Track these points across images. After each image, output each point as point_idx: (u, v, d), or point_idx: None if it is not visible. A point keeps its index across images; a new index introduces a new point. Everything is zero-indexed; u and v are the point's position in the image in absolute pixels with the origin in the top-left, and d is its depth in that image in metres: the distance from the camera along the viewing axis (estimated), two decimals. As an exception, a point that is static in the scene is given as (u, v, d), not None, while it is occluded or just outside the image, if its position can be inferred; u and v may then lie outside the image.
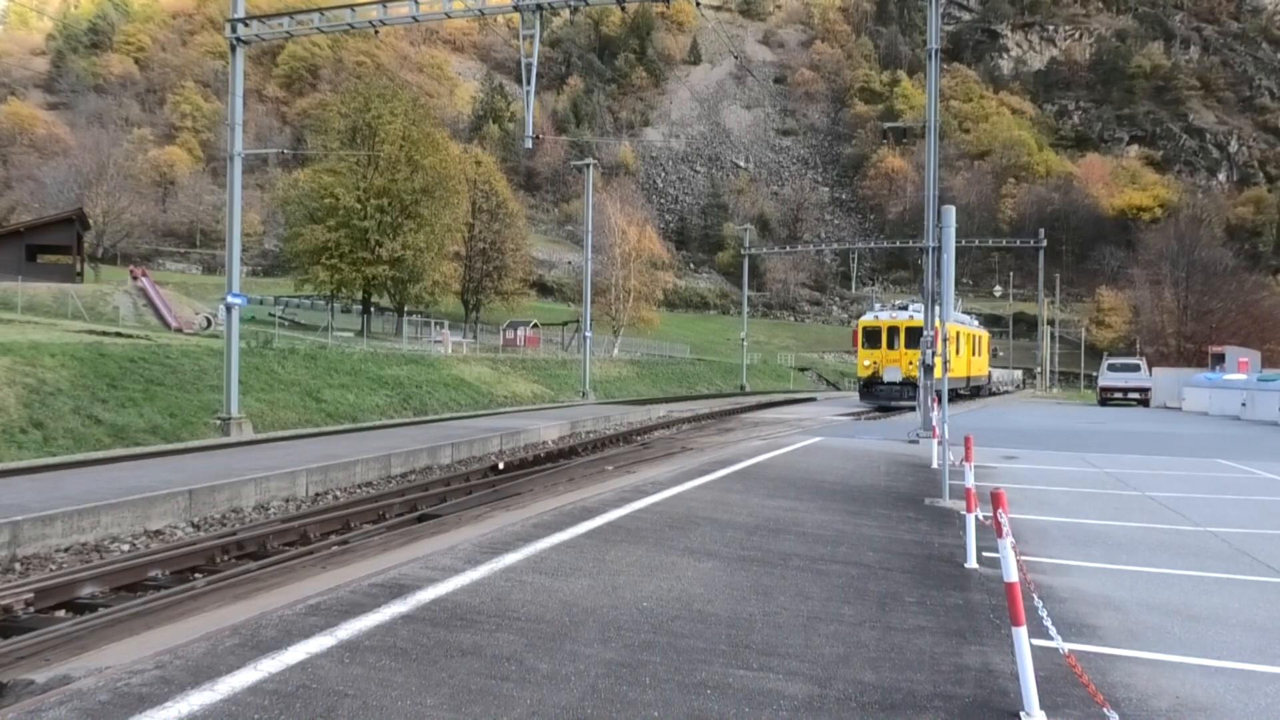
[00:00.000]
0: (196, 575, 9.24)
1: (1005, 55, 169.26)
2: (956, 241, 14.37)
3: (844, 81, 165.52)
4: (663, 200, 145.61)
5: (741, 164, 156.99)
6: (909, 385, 30.06)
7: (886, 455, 15.76)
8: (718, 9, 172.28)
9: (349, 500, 13.87)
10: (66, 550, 9.99)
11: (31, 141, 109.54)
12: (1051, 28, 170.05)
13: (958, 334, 33.05)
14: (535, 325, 67.36)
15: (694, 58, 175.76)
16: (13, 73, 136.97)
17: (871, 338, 33.54)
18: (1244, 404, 29.86)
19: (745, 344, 59.45)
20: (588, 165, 41.66)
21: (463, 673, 4.16)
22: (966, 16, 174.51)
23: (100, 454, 16.33)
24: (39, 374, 19.58)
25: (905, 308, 34.04)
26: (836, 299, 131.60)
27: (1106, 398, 41.54)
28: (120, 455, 15.99)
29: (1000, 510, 4.21)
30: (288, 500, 13.55)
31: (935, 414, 15.94)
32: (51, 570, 9.31)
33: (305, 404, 25.46)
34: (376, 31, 21.33)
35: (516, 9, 19.91)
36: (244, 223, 28.46)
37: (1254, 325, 59.56)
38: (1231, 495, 11.77)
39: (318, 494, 14.26)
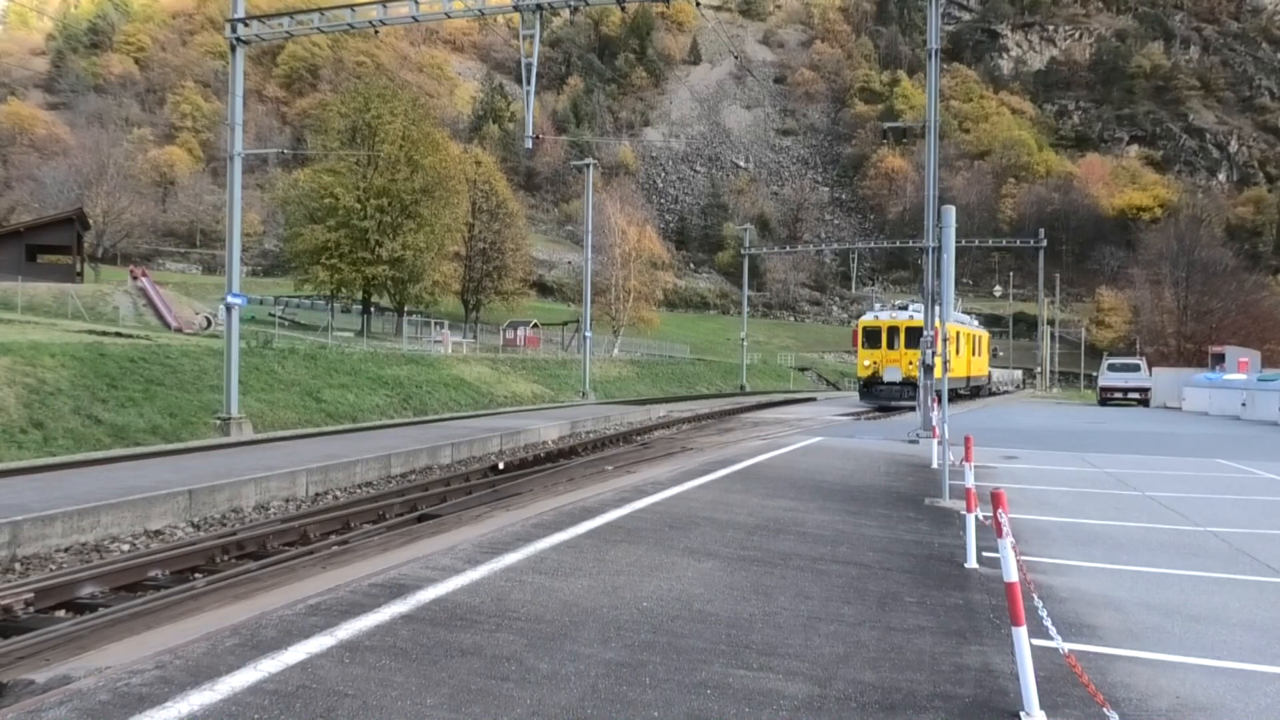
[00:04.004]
0: (196, 575, 9.24)
1: (1005, 55, 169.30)
2: (956, 241, 14.36)
3: (844, 81, 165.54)
4: (663, 200, 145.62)
5: (741, 164, 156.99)
6: (909, 385, 30.06)
7: (886, 455, 15.76)
8: (718, 9, 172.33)
9: (349, 500, 13.86)
10: (66, 550, 9.99)
11: (31, 141, 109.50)
12: (1051, 28, 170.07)
13: (958, 334, 33.05)
14: (535, 325, 67.34)
15: (694, 58, 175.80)
16: (13, 73, 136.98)
17: (871, 338, 33.53)
18: (1244, 404, 29.85)
19: (745, 344, 59.44)
20: (588, 165, 41.66)
21: (463, 673, 4.16)
22: (966, 16, 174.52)
23: (100, 454, 16.33)
24: (39, 374, 19.58)
25: (905, 308, 34.03)
26: (836, 299, 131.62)
27: (1106, 398, 41.55)
28: (120, 455, 15.99)
29: (1000, 510, 4.21)
30: (288, 500, 13.55)
31: (935, 414, 15.94)
32: (51, 570, 9.31)
33: (305, 404, 25.46)
34: (376, 31, 21.33)
35: (516, 9, 19.91)
36: (244, 223, 28.47)
37: (1254, 325, 59.56)
38: (1231, 495, 11.77)
39: (318, 494, 14.26)
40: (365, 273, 48.51)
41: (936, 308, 18.32)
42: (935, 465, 12.96)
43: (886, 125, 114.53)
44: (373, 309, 55.69)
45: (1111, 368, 42.86)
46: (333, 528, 11.57)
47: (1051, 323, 74.73)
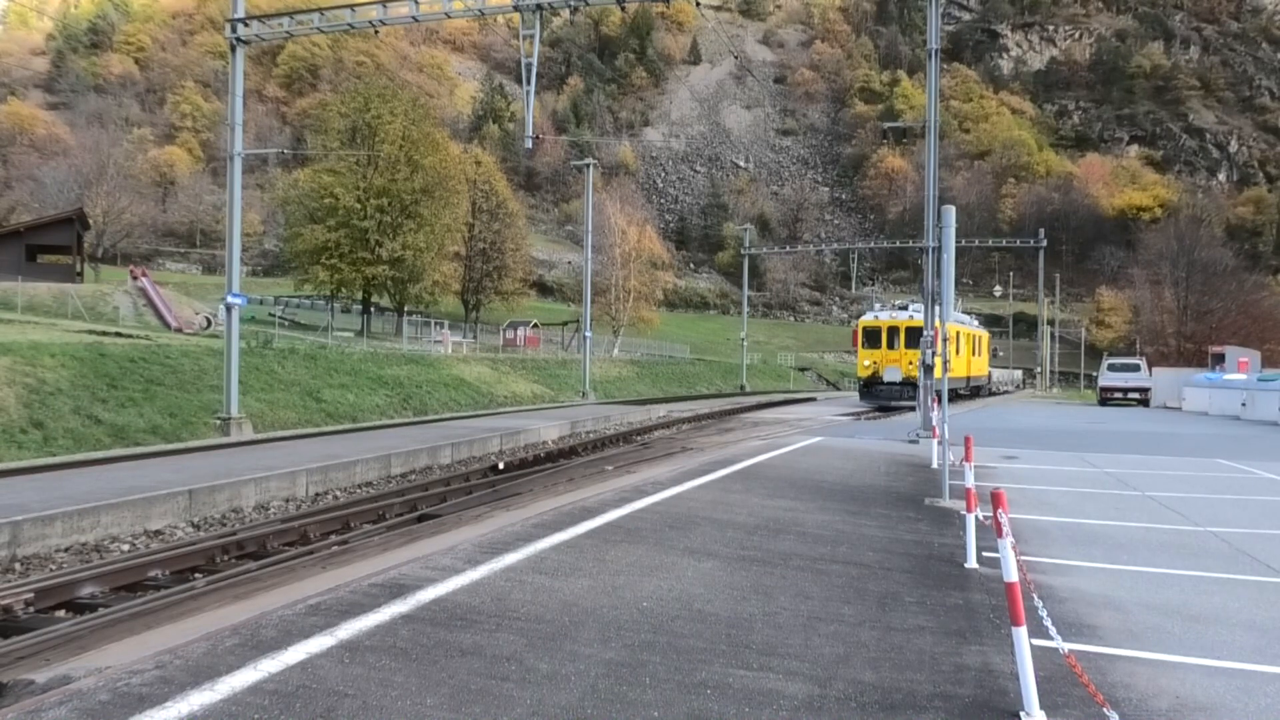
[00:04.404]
0: (196, 575, 9.24)
1: (1005, 55, 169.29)
2: (956, 241, 14.35)
3: (844, 81, 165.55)
4: (663, 200, 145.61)
5: (741, 164, 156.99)
6: (909, 385, 30.06)
7: (886, 455, 15.75)
8: (718, 9, 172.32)
9: (349, 500, 13.86)
10: (66, 550, 9.99)
11: (31, 141, 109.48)
12: (1051, 28, 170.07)
13: (958, 334, 33.05)
14: (535, 325, 67.36)
15: (694, 58, 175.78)
16: (13, 73, 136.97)
17: (871, 338, 33.53)
18: (1244, 404, 29.85)
19: (745, 344, 59.44)
20: (588, 165, 41.65)
21: (463, 673, 4.16)
22: (966, 16, 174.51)
23: (100, 454, 16.33)
24: (39, 374, 19.58)
25: (905, 308, 34.03)
26: (836, 299, 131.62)
27: (1106, 398, 41.55)
28: (120, 455, 15.99)
29: (1000, 510, 4.21)
30: (288, 500, 13.55)
31: (935, 414, 15.94)
32: (51, 570, 9.31)
33: (305, 404, 25.46)
34: (376, 31, 21.32)
35: (516, 9, 19.91)
36: (244, 223, 28.47)
37: (1254, 325, 59.57)
38: (1232, 495, 11.77)
39: (318, 494, 14.26)
40: (365, 273, 48.52)
41: (936, 308, 18.32)
42: (935, 465, 12.96)
43: (886, 125, 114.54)
44: (373, 309, 55.70)
45: (1111, 368, 42.85)
46: (333, 528, 11.57)
47: (1051, 323, 74.73)
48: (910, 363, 30.18)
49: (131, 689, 3.74)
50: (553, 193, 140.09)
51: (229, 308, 20.79)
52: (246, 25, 21.15)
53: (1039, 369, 72.00)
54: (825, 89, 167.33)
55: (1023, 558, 4.37)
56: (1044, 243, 58.90)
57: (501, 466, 17.77)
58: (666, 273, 76.87)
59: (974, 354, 40.02)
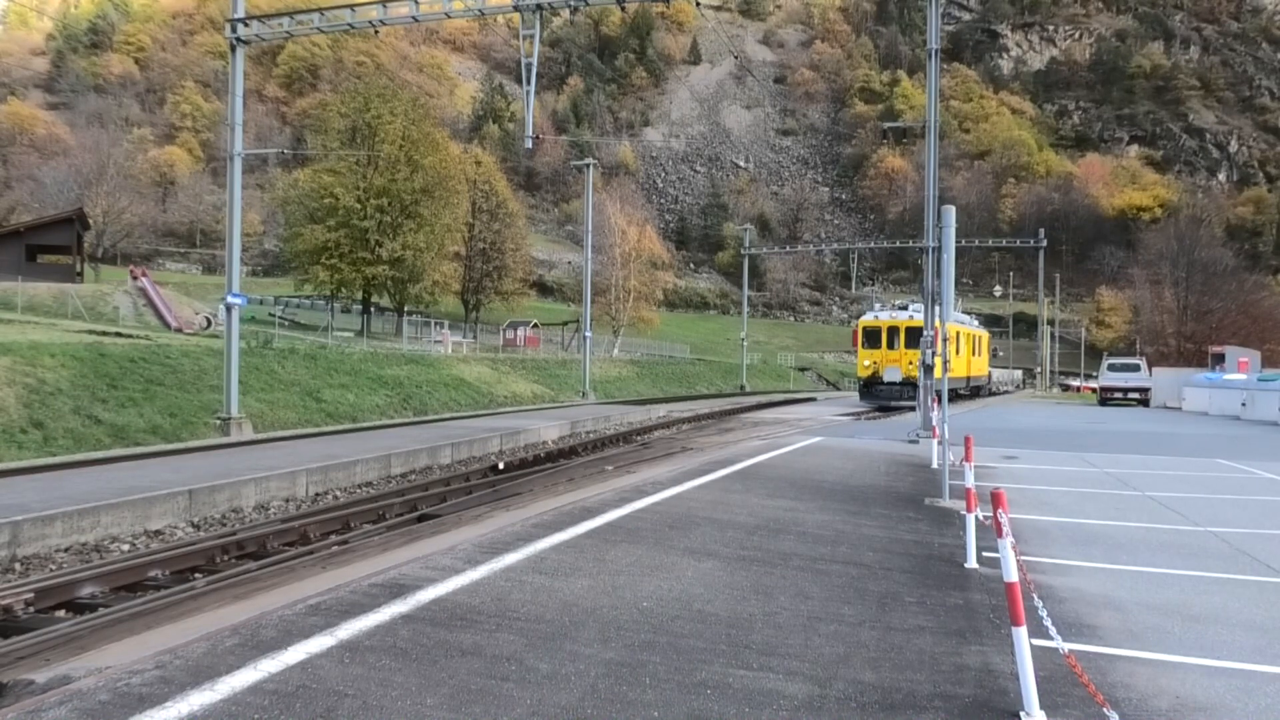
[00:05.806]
0: (196, 575, 9.24)
1: (1005, 55, 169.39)
2: (956, 241, 14.35)
3: (844, 81, 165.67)
4: (663, 200, 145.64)
5: (741, 164, 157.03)
6: (909, 385, 30.06)
7: (886, 455, 15.75)
8: (718, 9, 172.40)
9: (349, 500, 13.86)
10: (66, 550, 9.99)
11: (31, 141, 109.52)
12: (1051, 28, 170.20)
13: (958, 334, 33.05)
14: (535, 325, 67.36)
15: (694, 58, 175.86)
16: (13, 73, 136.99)
17: (871, 338, 33.54)
18: (1244, 404, 29.85)
19: (745, 344, 59.44)
20: (588, 165, 41.65)
21: (463, 673, 4.16)
22: (966, 16, 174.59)
23: (100, 454, 16.33)
24: (39, 374, 19.58)
25: (905, 308, 34.04)
26: (836, 299, 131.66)
27: (1106, 398, 41.55)
28: (120, 455, 15.98)
29: (1000, 510, 4.21)
30: (288, 500, 13.55)
31: (935, 414, 15.94)
32: (51, 570, 9.31)
33: (305, 404, 25.46)
34: (376, 31, 21.32)
35: (516, 9, 19.91)
36: (244, 223, 28.47)
37: (1254, 325, 59.51)
38: (1231, 495, 11.77)
39: (318, 494, 14.26)
40: (365, 273, 48.54)
41: (936, 308, 18.32)
42: (935, 465, 12.96)
43: (886, 125, 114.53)
44: (373, 309, 55.71)
45: (1112, 368, 42.85)
46: (333, 528, 11.57)
47: (1051, 323, 74.75)
48: (910, 363, 30.18)
49: (131, 689, 3.74)
50: (553, 193, 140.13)
51: (229, 308, 20.79)
52: (246, 25, 21.15)
53: (1039, 369, 72.02)
54: (825, 89, 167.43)
55: (1023, 558, 4.37)
56: (1044, 243, 58.89)
57: (501, 466, 17.77)
58: (666, 273, 76.88)
59: (974, 354, 40.03)
